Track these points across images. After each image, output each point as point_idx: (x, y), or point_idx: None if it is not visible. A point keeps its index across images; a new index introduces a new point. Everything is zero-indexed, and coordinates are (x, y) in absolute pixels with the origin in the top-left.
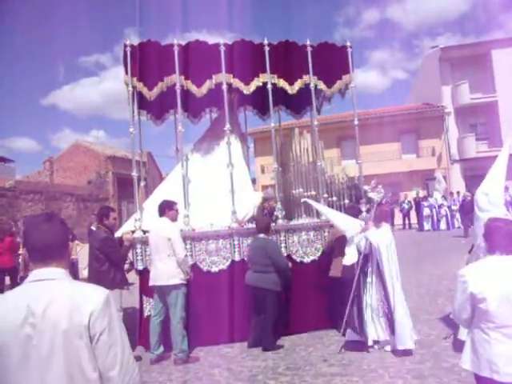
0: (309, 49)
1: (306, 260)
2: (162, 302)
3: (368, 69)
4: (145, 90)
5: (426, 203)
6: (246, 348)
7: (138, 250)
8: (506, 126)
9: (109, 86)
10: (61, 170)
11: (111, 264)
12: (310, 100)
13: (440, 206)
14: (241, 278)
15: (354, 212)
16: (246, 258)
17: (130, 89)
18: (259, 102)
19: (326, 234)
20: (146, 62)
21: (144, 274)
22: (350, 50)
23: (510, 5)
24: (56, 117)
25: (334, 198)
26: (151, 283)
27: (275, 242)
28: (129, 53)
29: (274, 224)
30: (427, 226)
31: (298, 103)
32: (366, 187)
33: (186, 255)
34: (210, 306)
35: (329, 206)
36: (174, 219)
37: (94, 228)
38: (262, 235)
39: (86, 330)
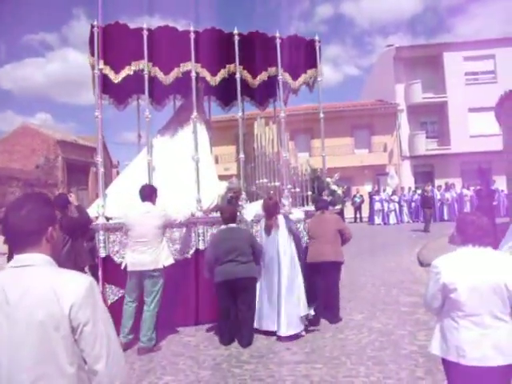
0: (278, 41)
1: None
2: (140, 288)
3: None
4: (111, 74)
5: (377, 197)
6: (208, 336)
7: (101, 237)
8: (455, 126)
9: (55, 67)
10: (6, 153)
11: (72, 247)
12: (274, 92)
13: (390, 201)
14: (203, 266)
15: (323, 204)
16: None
17: (97, 71)
18: (223, 91)
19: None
20: (114, 45)
21: (107, 262)
22: (318, 44)
23: (458, 10)
24: None
25: (297, 190)
26: (131, 268)
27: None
28: (96, 34)
29: (239, 214)
30: (378, 219)
31: (262, 94)
32: (328, 179)
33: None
34: (175, 294)
35: (292, 197)
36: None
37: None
38: (233, 225)
39: (66, 322)
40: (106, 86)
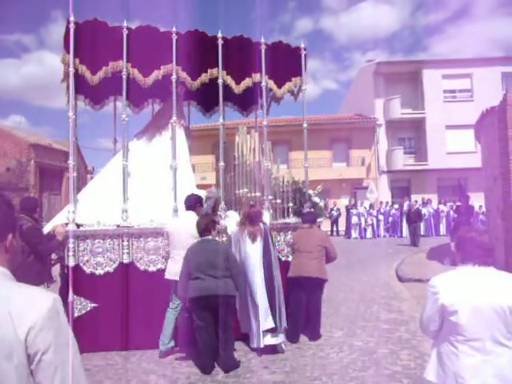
0: (263, 47)
1: None
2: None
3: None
4: (87, 74)
5: (354, 211)
6: (179, 353)
7: (71, 245)
8: (432, 142)
9: (31, 69)
10: None
11: (36, 256)
12: (256, 99)
13: (368, 215)
14: None
15: (311, 217)
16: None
17: (72, 70)
18: (204, 97)
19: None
20: (91, 44)
21: (77, 271)
22: (303, 51)
23: (434, 30)
24: None
25: (278, 201)
26: (168, 276)
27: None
28: (72, 30)
29: (219, 225)
30: (354, 233)
31: (245, 101)
32: (310, 192)
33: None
34: (148, 307)
35: (273, 208)
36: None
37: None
38: (209, 237)
39: (21, 348)
40: (81, 85)
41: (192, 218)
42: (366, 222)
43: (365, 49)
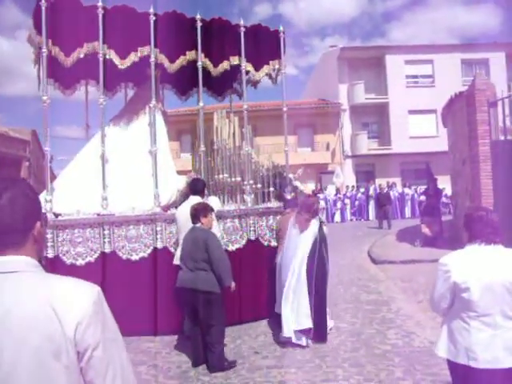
0: (242, 29)
1: (231, 248)
2: None
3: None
4: (61, 56)
5: (321, 195)
6: (167, 342)
7: (49, 236)
8: (395, 127)
9: None
10: None
11: None
12: (231, 83)
13: (337, 200)
14: (163, 267)
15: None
16: (174, 251)
17: (45, 51)
18: (180, 80)
19: (251, 221)
20: (64, 23)
21: (56, 263)
22: (282, 35)
23: (392, 16)
24: None
25: (259, 186)
26: (178, 262)
27: (215, 234)
28: (43, 9)
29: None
30: (321, 217)
31: (220, 85)
32: (291, 175)
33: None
34: (130, 297)
35: (254, 193)
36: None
37: None
38: (198, 224)
39: (70, 346)
40: (51, 68)
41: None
42: (333, 206)
43: (324, 34)
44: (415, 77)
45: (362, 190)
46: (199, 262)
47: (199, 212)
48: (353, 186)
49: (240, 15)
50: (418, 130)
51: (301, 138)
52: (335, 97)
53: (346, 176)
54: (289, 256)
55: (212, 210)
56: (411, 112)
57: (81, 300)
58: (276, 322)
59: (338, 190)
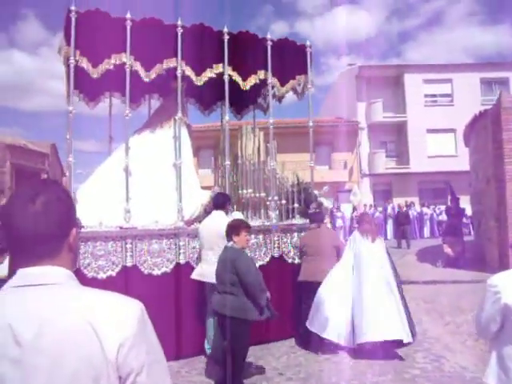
0: (269, 43)
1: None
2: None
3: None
4: (89, 67)
5: (339, 214)
6: (189, 361)
7: None
8: (413, 146)
9: None
10: None
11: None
12: (255, 98)
13: (352, 218)
14: (186, 283)
15: (319, 217)
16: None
17: (73, 62)
18: (204, 94)
19: (276, 238)
20: (93, 35)
21: (78, 275)
22: (309, 49)
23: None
24: None
25: (284, 201)
26: (201, 278)
27: (247, 254)
28: (73, 20)
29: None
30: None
31: (243, 100)
32: (316, 192)
33: None
34: (152, 313)
35: (279, 209)
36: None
37: None
38: (230, 244)
39: (111, 370)
40: (77, 79)
41: (220, 217)
42: (351, 225)
43: (339, 54)
44: (434, 96)
45: (380, 208)
46: (227, 284)
47: (231, 230)
48: (371, 205)
49: (257, 32)
50: (436, 149)
51: (318, 156)
52: (353, 115)
53: (363, 195)
54: (363, 264)
55: (248, 226)
56: (429, 131)
57: (124, 318)
58: (301, 342)
59: (354, 209)
